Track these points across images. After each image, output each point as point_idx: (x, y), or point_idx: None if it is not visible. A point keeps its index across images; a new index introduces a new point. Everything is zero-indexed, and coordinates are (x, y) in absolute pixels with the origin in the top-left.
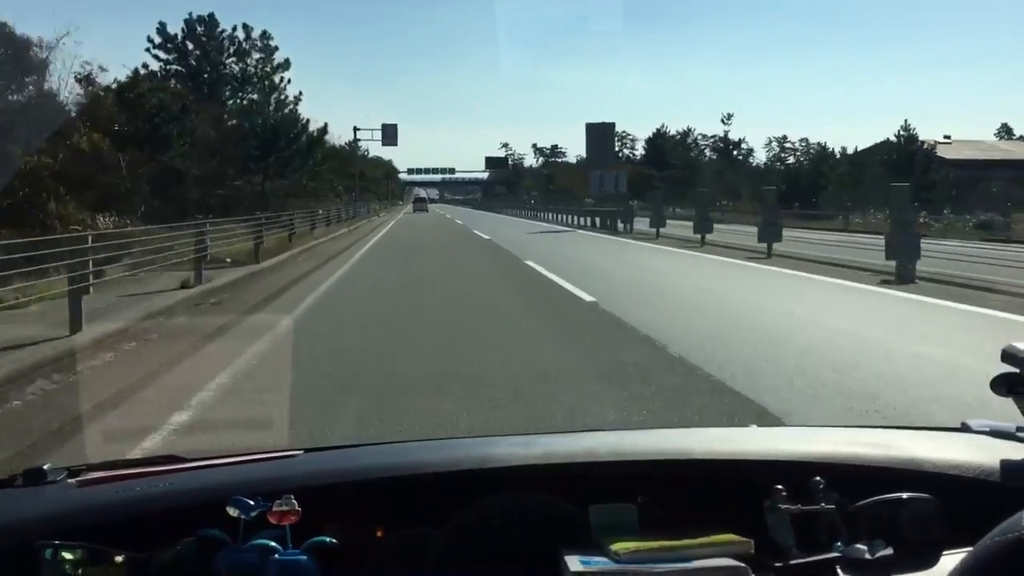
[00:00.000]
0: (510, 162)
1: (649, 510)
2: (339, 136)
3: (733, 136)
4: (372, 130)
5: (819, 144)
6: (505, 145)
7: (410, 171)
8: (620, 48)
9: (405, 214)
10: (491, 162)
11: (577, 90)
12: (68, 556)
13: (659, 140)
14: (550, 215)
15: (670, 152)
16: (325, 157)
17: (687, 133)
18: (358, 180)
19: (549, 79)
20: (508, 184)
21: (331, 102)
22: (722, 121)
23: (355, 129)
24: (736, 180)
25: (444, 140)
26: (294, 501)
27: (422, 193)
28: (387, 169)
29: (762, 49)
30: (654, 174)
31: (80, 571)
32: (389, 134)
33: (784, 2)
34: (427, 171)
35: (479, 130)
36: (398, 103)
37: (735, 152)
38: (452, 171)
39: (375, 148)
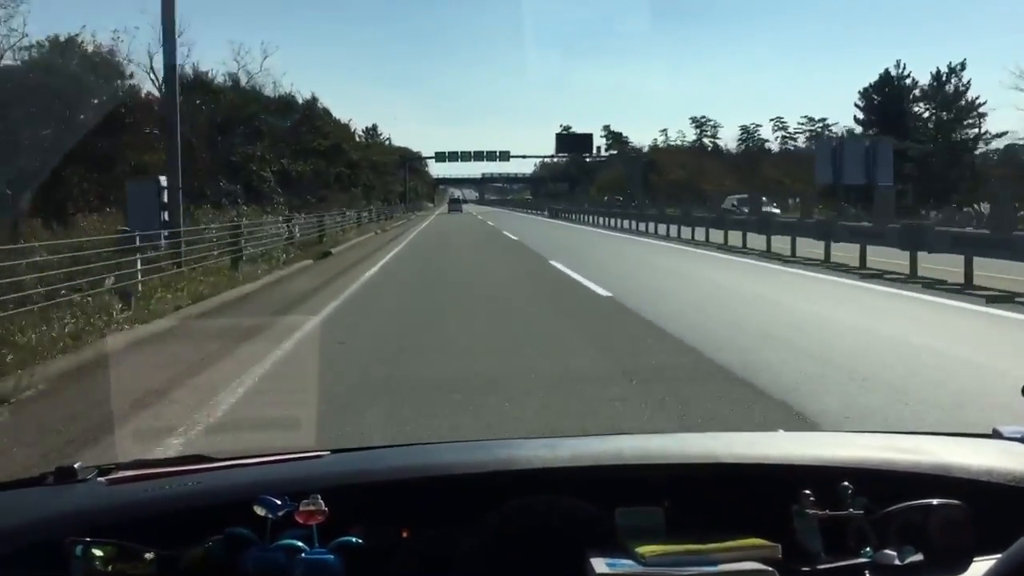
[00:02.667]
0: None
1: (675, 514)
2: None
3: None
4: None
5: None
6: (567, 128)
7: (439, 156)
8: (647, 48)
9: (435, 219)
10: (564, 142)
11: (605, 91)
12: (98, 553)
13: (888, 90)
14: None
15: (899, 116)
16: None
17: (948, 76)
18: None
19: (577, 80)
20: (571, 180)
21: (356, 102)
22: None
23: None
24: None
25: (475, 142)
26: (321, 501)
27: (457, 194)
28: (405, 156)
29: (791, 47)
30: (910, 146)
31: (110, 567)
32: None
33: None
34: (465, 156)
35: (510, 130)
36: (427, 105)
37: None
38: (506, 156)
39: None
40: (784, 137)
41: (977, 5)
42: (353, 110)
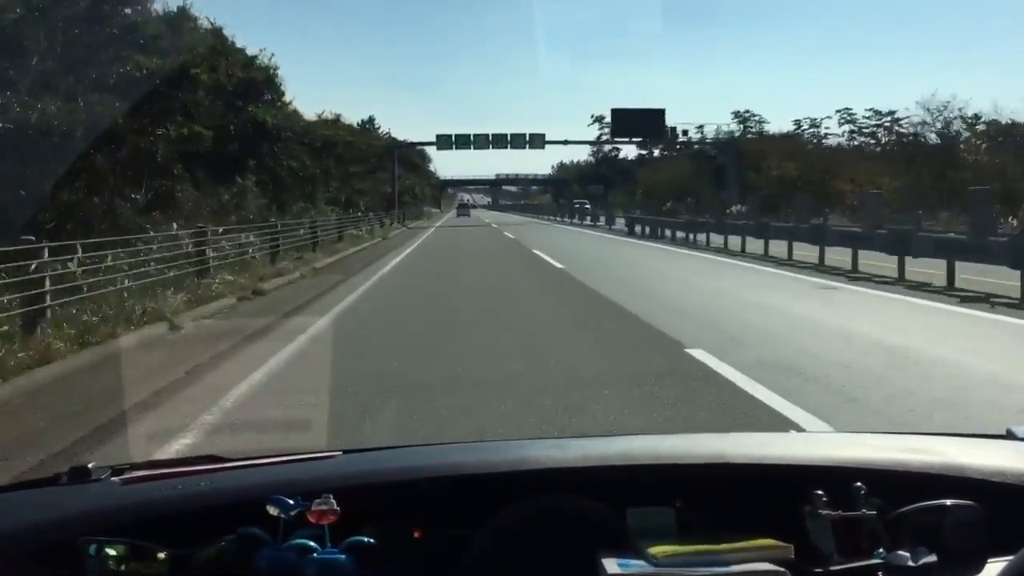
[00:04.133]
0: (595, 150)
1: (687, 514)
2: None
3: None
4: None
5: None
6: (599, 119)
7: (442, 142)
8: (659, 49)
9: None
10: (624, 122)
11: (621, 91)
12: (112, 552)
13: None
14: None
15: None
16: None
17: None
18: None
19: (591, 81)
20: (604, 181)
21: (363, 105)
22: None
23: None
24: None
25: (485, 154)
26: (333, 501)
27: (466, 198)
28: (392, 144)
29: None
30: None
31: (123, 567)
32: None
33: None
34: (480, 142)
35: (523, 131)
36: (436, 107)
37: None
38: (540, 141)
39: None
40: (852, 132)
41: None
42: (359, 112)
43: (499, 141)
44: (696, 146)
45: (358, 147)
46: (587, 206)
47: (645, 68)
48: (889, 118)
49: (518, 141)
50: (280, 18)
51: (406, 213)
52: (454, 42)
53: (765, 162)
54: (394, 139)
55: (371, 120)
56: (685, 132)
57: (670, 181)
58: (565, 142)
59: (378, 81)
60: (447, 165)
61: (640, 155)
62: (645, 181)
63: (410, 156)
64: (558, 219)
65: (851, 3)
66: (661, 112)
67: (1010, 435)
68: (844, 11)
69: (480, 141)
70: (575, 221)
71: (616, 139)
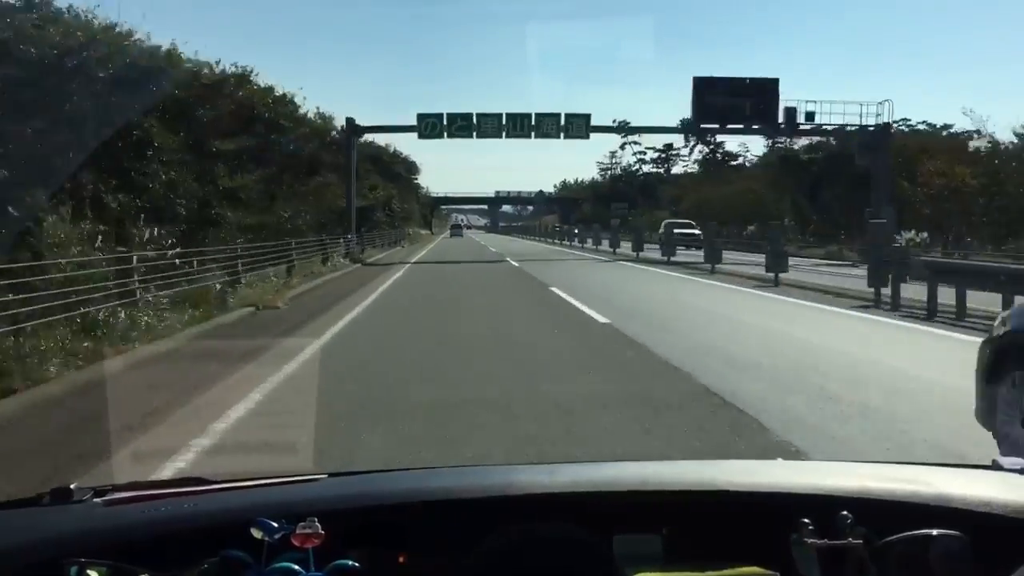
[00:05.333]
0: (612, 165)
1: (674, 541)
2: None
3: None
4: None
5: None
6: (621, 123)
7: (425, 126)
8: (653, 73)
9: None
10: (713, 99)
11: (620, 115)
12: (93, 574)
13: None
14: None
15: None
16: None
17: None
18: None
19: (584, 105)
20: (625, 198)
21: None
22: None
23: None
24: None
25: (478, 170)
26: (317, 524)
27: (461, 219)
28: (331, 128)
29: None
30: None
31: None
32: None
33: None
34: (486, 128)
35: (515, 160)
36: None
37: None
38: (583, 126)
39: None
40: None
41: None
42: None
43: (517, 126)
44: (832, 136)
45: (237, 104)
46: (695, 231)
47: (642, 91)
48: (944, 132)
49: (547, 126)
50: (265, 32)
51: (372, 238)
52: (445, 65)
53: (921, 166)
54: (351, 120)
55: (350, 121)
56: (810, 116)
57: (731, 196)
58: (620, 129)
59: (367, 100)
60: (439, 181)
61: (657, 172)
62: (690, 198)
63: (392, 164)
64: (582, 246)
65: (849, 20)
66: (774, 83)
67: (996, 466)
68: (845, 24)
69: (487, 126)
70: (642, 255)
71: (689, 132)
